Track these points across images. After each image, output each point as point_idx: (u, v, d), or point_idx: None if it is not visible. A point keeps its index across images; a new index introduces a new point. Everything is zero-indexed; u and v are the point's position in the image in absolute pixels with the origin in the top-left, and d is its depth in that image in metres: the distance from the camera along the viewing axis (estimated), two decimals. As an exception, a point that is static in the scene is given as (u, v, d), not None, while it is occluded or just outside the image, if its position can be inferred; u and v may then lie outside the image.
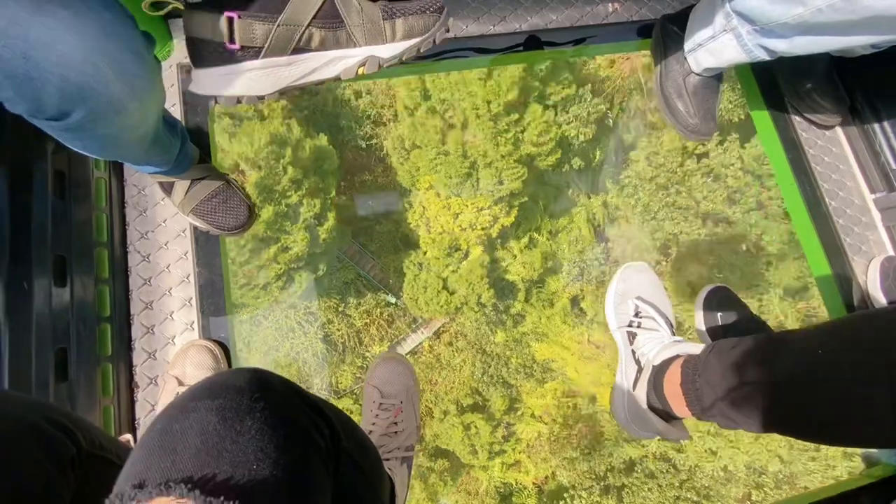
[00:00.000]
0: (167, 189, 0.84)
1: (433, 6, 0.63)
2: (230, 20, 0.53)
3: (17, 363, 0.66)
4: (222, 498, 0.24)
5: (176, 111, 0.94)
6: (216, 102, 0.60)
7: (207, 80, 0.57)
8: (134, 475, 0.26)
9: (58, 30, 0.38)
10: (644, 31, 1.12)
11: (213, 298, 0.88)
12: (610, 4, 1.12)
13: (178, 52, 0.97)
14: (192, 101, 0.96)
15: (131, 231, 0.88)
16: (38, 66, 0.38)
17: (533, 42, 1.10)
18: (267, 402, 0.30)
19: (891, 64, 0.72)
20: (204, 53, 0.55)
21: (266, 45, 0.55)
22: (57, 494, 0.35)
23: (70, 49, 0.39)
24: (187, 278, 0.88)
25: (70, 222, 0.78)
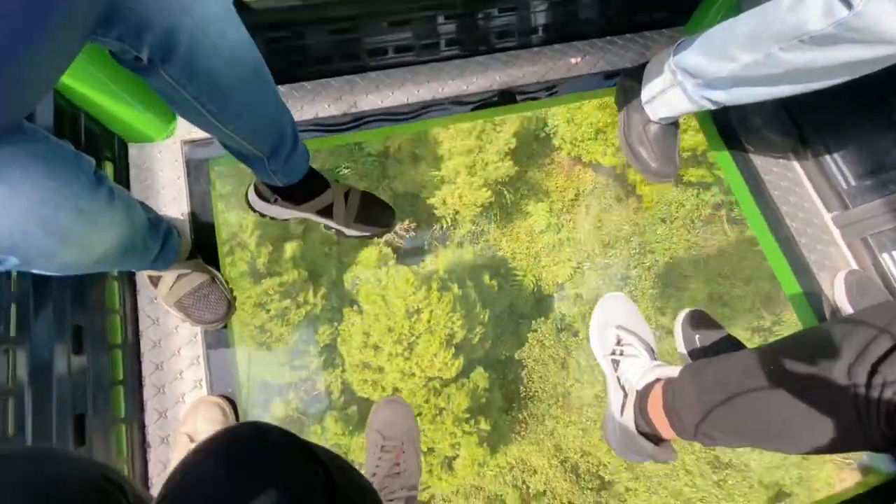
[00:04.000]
0: (154, 282, 0.89)
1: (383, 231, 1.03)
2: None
3: (39, 429, 0.70)
4: None
5: (181, 183, 1.02)
6: (254, 210, 0.97)
7: (255, 202, 0.96)
8: None
9: None
10: (610, 76, 1.23)
11: (221, 355, 0.93)
12: (572, 59, 1.23)
13: (182, 128, 1.06)
14: (195, 173, 1.04)
15: (141, 297, 0.94)
16: None
17: (507, 96, 1.21)
18: (266, 449, 0.35)
19: (830, 95, 0.81)
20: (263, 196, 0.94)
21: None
22: None
23: None
24: (195, 337, 0.93)
25: (85, 293, 0.84)
